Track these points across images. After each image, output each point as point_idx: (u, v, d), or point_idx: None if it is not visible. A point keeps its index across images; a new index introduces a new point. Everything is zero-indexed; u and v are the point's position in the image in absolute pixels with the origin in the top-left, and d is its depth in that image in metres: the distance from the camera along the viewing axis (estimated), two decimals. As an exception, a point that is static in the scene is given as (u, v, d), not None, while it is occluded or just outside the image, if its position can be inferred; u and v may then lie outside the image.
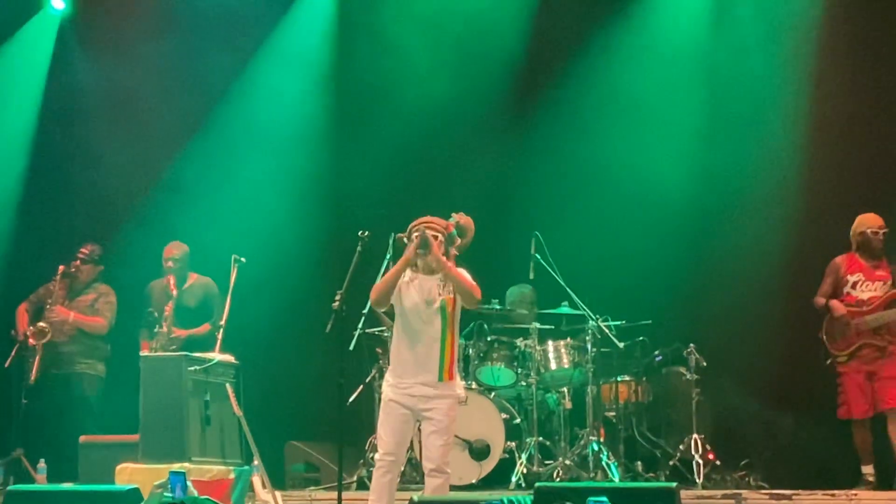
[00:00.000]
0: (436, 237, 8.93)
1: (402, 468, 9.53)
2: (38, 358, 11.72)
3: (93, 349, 11.95)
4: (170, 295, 11.33)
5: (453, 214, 9.21)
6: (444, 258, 8.85)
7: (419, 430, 9.63)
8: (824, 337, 10.74)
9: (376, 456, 9.24)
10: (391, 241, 10.41)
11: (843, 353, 10.64)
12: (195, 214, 12.72)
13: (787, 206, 12.28)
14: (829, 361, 10.73)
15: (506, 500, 5.65)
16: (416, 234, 8.86)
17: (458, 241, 9.07)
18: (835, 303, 10.66)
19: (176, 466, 9.51)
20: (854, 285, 10.73)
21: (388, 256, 10.35)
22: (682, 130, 12.76)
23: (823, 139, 12.19)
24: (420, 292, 8.98)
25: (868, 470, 10.59)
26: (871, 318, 10.50)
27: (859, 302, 10.63)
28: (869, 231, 10.69)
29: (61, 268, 11.94)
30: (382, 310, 9.57)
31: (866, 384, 10.60)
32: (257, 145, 13.38)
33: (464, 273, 8.88)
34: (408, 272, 9.01)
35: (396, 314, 9.18)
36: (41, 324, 11.81)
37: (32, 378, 11.71)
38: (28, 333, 11.77)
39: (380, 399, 11.33)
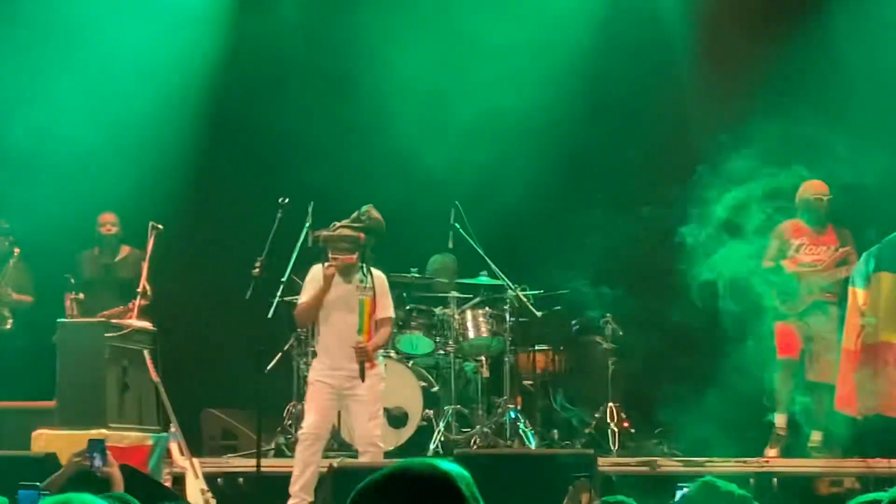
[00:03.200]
0: (351, 253, 9.37)
1: (326, 441, 9.62)
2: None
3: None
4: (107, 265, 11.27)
5: (365, 209, 9.38)
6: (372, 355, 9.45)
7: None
8: (776, 296, 10.69)
9: (300, 430, 9.39)
10: (309, 210, 10.48)
11: (793, 312, 10.64)
12: (113, 181, 12.59)
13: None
14: (786, 320, 10.67)
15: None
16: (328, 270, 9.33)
17: (373, 240, 9.47)
18: (786, 263, 10.66)
19: (93, 433, 9.42)
20: (798, 248, 10.74)
21: (307, 225, 10.38)
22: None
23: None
24: (338, 296, 9.44)
25: (781, 422, 10.69)
26: (823, 276, 10.49)
27: (805, 265, 10.66)
28: (812, 197, 10.69)
29: None
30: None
31: (801, 336, 10.65)
32: (176, 111, 13.26)
33: (382, 337, 9.63)
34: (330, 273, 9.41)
35: (321, 307, 9.39)
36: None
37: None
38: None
39: (298, 367, 11.48)
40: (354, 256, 9.43)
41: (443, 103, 12.67)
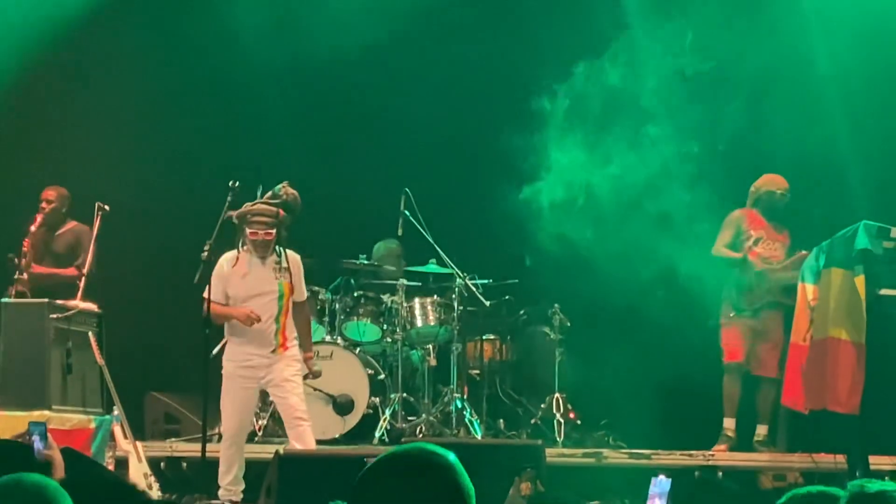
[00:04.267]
0: (271, 228, 9.28)
1: (247, 434, 9.76)
2: None
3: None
4: (30, 247, 11.18)
5: (280, 186, 9.37)
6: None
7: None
8: (732, 289, 10.74)
9: (221, 429, 9.44)
10: (259, 192, 10.41)
11: (749, 308, 10.67)
12: (60, 158, 12.53)
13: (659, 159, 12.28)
14: (731, 315, 10.72)
15: None
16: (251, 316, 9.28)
17: (289, 219, 9.42)
18: (754, 254, 10.65)
19: (36, 415, 9.53)
20: (757, 241, 10.71)
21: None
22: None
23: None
24: (255, 282, 9.36)
25: (729, 424, 10.78)
26: (786, 277, 10.44)
27: (762, 259, 10.68)
28: (777, 192, 10.75)
29: None
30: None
31: (748, 337, 10.71)
32: (125, 90, 13.20)
33: (309, 325, 9.81)
34: (241, 262, 9.39)
35: (232, 300, 9.48)
36: None
37: None
38: None
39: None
40: (273, 232, 9.33)
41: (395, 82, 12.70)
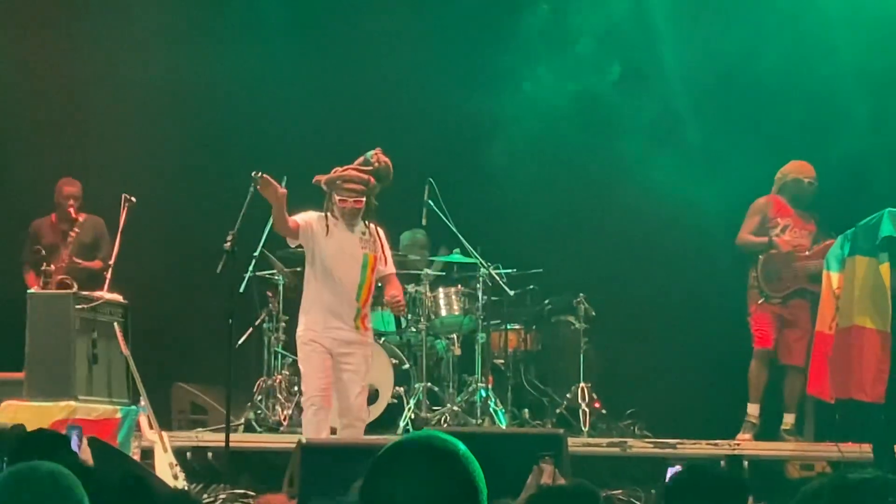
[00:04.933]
0: (361, 196, 9.12)
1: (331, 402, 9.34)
2: None
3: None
4: (65, 231, 11.29)
5: (372, 153, 9.23)
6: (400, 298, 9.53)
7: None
8: (759, 276, 10.68)
9: (304, 398, 9.27)
10: (283, 184, 10.40)
11: (778, 296, 10.61)
12: (85, 151, 12.58)
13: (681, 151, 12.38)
14: (760, 301, 10.66)
15: None
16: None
17: (378, 188, 9.25)
18: (782, 240, 10.60)
19: (62, 404, 9.47)
20: (784, 230, 10.67)
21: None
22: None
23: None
24: (341, 245, 9.19)
25: (753, 410, 10.73)
26: (814, 265, 10.33)
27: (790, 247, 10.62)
28: (805, 180, 10.66)
29: None
30: (287, 237, 9.60)
31: (778, 323, 10.65)
32: (147, 79, 13.24)
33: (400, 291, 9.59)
34: (332, 221, 9.18)
35: (315, 260, 9.27)
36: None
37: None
38: None
39: (269, 342, 11.45)
40: (363, 201, 9.17)
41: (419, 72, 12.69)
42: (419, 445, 2.90)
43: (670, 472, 5.35)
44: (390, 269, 9.51)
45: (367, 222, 9.32)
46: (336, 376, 9.20)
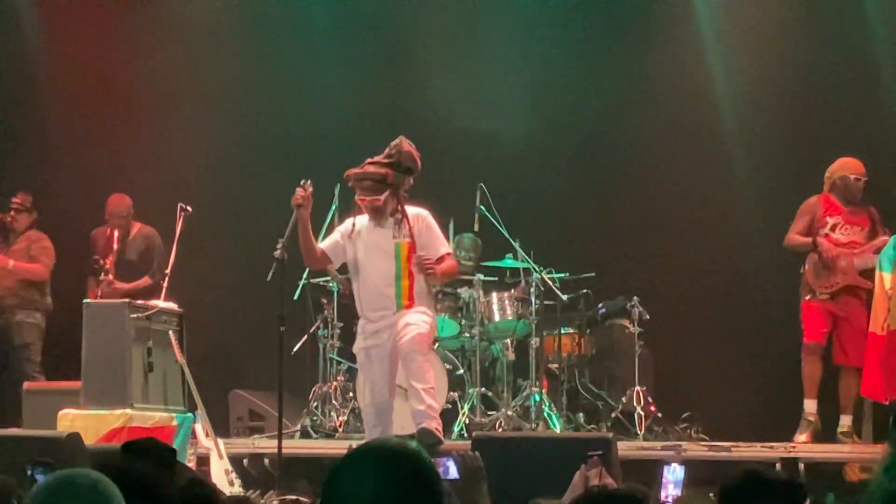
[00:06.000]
0: (377, 194, 9.00)
1: (391, 413, 9.40)
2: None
3: (30, 301, 11.86)
4: (110, 248, 11.40)
5: (394, 143, 9.09)
6: (440, 276, 9.27)
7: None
8: (809, 273, 10.57)
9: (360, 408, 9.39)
10: (336, 192, 10.48)
11: (826, 291, 10.48)
12: (141, 160, 12.70)
13: (729, 158, 12.38)
14: (808, 297, 10.56)
15: None
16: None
17: (408, 178, 9.11)
18: (825, 242, 10.47)
19: (118, 413, 9.53)
20: (833, 227, 10.55)
21: (333, 207, 10.35)
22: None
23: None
24: (371, 244, 9.16)
25: (810, 408, 10.54)
26: (860, 261, 10.30)
27: (839, 245, 10.51)
28: (852, 177, 10.51)
29: None
30: (323, 267, 9.71)
31: (829, 318, 10.52)
32: (201, 93, 13.35)
33: (452, 267, 9.38)
34: (356, 228, 9.16)
35: (351, 266, 9.35)
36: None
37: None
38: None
39: (324, 349, 11.55)
40: (381, 198, 8.98)
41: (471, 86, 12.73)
42: (370, 449, 2.89)
43: (665, 470, 5.36)
44: (437, 252, 9.15)
45: (402, 209, 9.10)
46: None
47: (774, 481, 4.42)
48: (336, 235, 9.40)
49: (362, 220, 9.24)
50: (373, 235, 9.19)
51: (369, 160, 9.14)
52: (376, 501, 2.72)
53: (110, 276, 11.23)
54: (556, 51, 12.91)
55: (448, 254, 9.34)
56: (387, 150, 9.11)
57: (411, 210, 9.17)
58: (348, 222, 9.34)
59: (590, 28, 12.91)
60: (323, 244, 9.40)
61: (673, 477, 5.36)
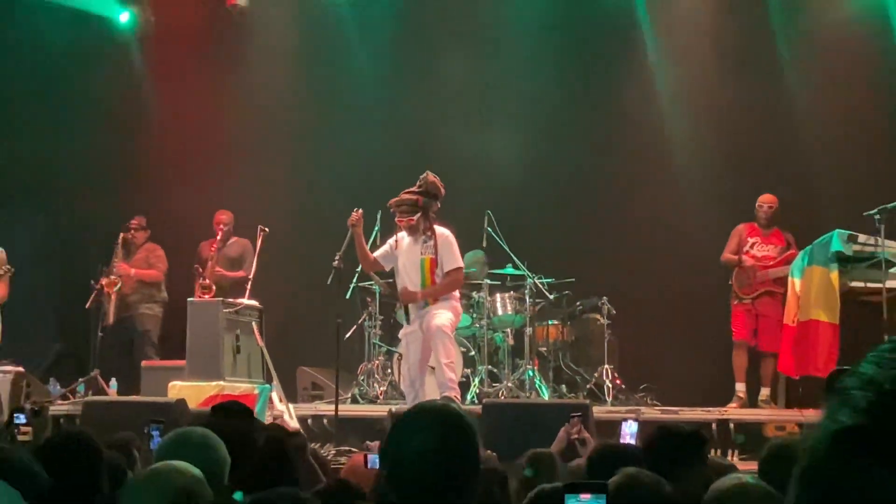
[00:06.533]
0: (411, 215, 9.06)
1: (424, 384, 9.38)
2: (111, 304, 11.75)
3: (149, 297, 11.97)
4: (211, 253, 11.60)
5: (422, 176, 9.21)
6: (430, 295, 9.11)
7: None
8: (734, 283, 10.65)
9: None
10: (378, 217, 10.59)
11: (748, 297, 10.56)
12: (230, 191, 12.84)
13: (680, 191, 12.38)
14: (735, 302, 10.61)
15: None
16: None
17: (434, 203, 9.20)
18: (746, 257, 10.57)
19: (213, 384, 9.73)
20: (752, 246, 10.63)
21: (376, 229, 10.47)
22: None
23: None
24: (406, 256, 9.24)
25: (741, 388, 10.64)
26: (774, 272, 10.38)
27: (755, 258, 10.62)
28: (767, 206, 10.62)
29: (122, 236, 11.98)
30: (375, 270, 9.84)
31: (752, 319, 10.58)
32: (278, 139, 13.47)
33: (447, 284, 9.16)
34: (399, 241, 9.26)
35: (395, 274, 9.44)
36: (112, 276, 11.79)
37: (109, 320, 11.74)
38: (104, 285, 11.76)
39: (368, 336, 11.59)
40: (415, 218, 9.02)
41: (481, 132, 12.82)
42: (424, 408, 2.83)
43: (624, 425, 5.40)
44: (447, 267, 9.12)
45: (429, 229, 9.12)
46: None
47: (682, 433, 4.41)
48: (386, 247, 9.52)
49: (403, 235, 9.36)
50: (408, 249, 9.31)
51: (405, 190, 9.30)
52: (431, 447, 2.65)
53: (207, 280, 11.35)
54: (545, 104, 12.86)
55: (455, 269, 9.26)
56: (418, 182, 9.25)
57: (439, 229, 9.25)
58: (395, 238, 9.43)
59: (571, 86, 12.84)
60: (376, 253, 9.53)
61: (629, 430, 5.43)
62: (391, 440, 2.70)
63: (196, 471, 3.28)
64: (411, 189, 9.22)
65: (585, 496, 2.93)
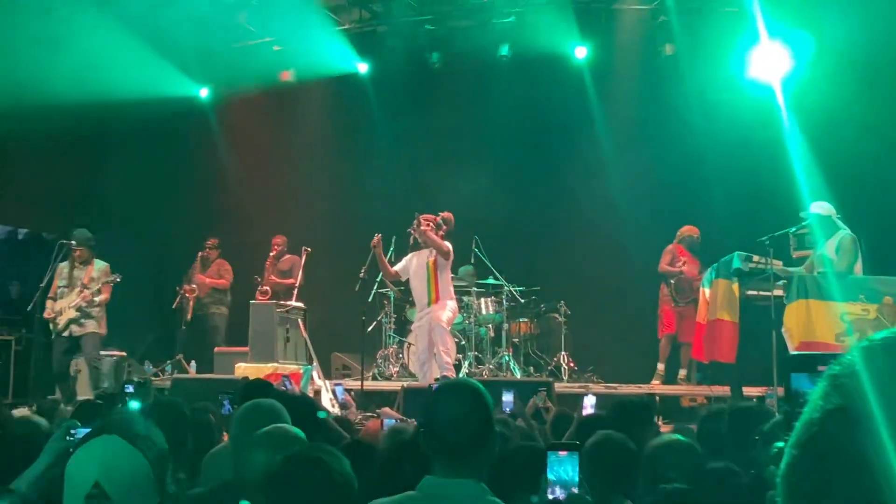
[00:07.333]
0: (428, 225, 9.05)
1: (431, 366, 9.21)
2: (191, 305, 11.77)
3: (219, 301, 11.92)
4: (269, 266, 11.53)
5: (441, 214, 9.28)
6: (429, 234, 9.00)
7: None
8: (673, 290, 10.56)
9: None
10: (393, 240, 10.53)
11: (683, 302, 10.57)
12: (283, 220, 12.78)
13: (618, 222, 12.19)
14: (671, 305, 10.55)
15: None
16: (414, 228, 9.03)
17: (444, 227, 9.20)
18: (687, 269, 10.48)
19: (269, 365, 9.63)
20: (683, 263, 10.59)
21: (391, 249, 10.41)
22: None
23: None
24: (419, 260, 9.20)
25: (660, 368, 10.63)
26: (697, 283, 10.09)
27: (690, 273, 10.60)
28: (693, 236, 10.61)
29: (200, 254, 11.94)
30: (393, 280, 9.78)
31: (678, 317, 10.56)
32: (317, 179, 13.34)
33: (438, 240, 8.99)
34: (414, 255, 9.22)
35: (409, 280, 9.33)
36: (192, 284, 11.81)
37: (189, 316, 11.73)
38: (186, 290, 11.80)
39: (385, 329, 11.47)
40: (432, 224, 9.06)
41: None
42: (459, 382, 2.85)
43: (585, 399, 5.34)
44: (439, 256, 9.01)
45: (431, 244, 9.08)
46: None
47: (634, 402, 4.43)
48: (403, 261, 9.50)
49: (414, 255, 9.37)
50: (418, 260, 9.32)
51: (421, 215, 9.29)
52: (461, 411, 2.62)
53: (266, 287, 11.30)
54: (523, 164, 12.87)
55: (441, 253, 9.07)
56: (440, 213, 9.34)
57: (438, 243, 9.20)
58: (409, 256, 9.39)
59: (541, 151, 12.87)
60: (396, 266, 9.49)
61: (589, 402, 5.38)
62: (429, 407, 2.67)
63: (299, 431, 3.27)
64: (427, 215, 9.31)
65: (563, 453, 2.90)
